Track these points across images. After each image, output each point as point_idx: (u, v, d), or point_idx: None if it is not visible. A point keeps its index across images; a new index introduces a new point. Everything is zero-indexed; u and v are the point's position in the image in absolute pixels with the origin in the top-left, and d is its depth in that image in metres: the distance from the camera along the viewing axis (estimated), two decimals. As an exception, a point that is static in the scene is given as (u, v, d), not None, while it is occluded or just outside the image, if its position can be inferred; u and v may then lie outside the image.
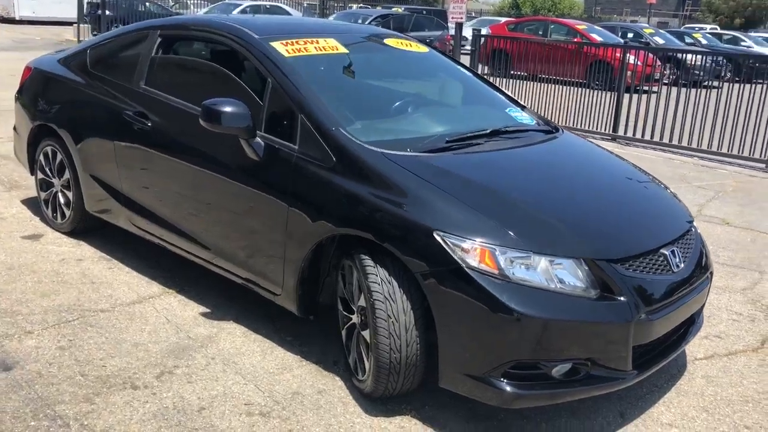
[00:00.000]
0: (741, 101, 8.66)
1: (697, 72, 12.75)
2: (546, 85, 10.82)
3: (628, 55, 10.43)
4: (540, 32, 18.84)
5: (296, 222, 3.20)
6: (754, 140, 8.67)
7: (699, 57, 11.62)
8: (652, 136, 9.48)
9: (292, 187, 3.24)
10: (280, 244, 3.31)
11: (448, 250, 2.73)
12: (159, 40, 4.16)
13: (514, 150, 3.48)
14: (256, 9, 21.57)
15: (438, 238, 2.75)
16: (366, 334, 2.98)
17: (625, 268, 2.86)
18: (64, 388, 3.02)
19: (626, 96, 9.91)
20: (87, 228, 4.78)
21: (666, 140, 9.36)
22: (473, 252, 2.72)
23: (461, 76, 4.31)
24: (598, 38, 17.27)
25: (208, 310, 3.83)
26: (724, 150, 8.85)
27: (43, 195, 4.99)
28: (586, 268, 2.77)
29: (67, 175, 4.68)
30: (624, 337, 2.79)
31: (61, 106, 4.69)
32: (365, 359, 3.02)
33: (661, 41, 20.27)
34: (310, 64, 3.64)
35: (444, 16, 21.30)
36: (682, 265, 3.11)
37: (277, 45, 3.66)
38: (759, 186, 7.78)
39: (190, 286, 4.11)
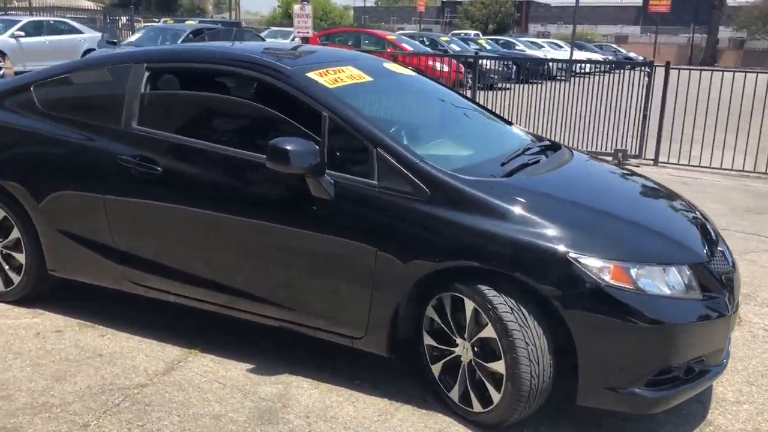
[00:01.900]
0: (530, 98, 10.01)
1: (492, 76, 14.03)
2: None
3: (436, 62, 11.47)
4: (350, 42, 19.27)
5: (387, 262, 3.06)
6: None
7: (492, 62, 12.96)
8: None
9: (380, 226, 3.09)
10: (364, 286, 3.15)
11: (586, 271, 2.79)
12: (147, 74, 3.71)
13: (564, 168, 3.62)
14: (38, 25, 19.59)
15: (572, 261, 2.81)
16: (494, 365, 2.94)
17: (713, 267, 3.13)
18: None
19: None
20: (38, 294, 4.12)
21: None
22: (607, 270, 2.81)
23: (454, 97, 4.37)
24: (409, 47, 18.09)
25: (252, 366, 3.51)
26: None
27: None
28: (689, 272, 2.99)
29: (15, 234, 4.00)
30: (725, 330, 3.06)
31: (3, 155, 3.99)
32: (490, 390, 2.98)
33: (457, 48, 21.71)
34: (354, 94, 3.48)
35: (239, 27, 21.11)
36: (729, 257, 3.46)
37: (315, 76, 3.46)
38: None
39: (206, 342, 3.73)
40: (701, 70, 9.52)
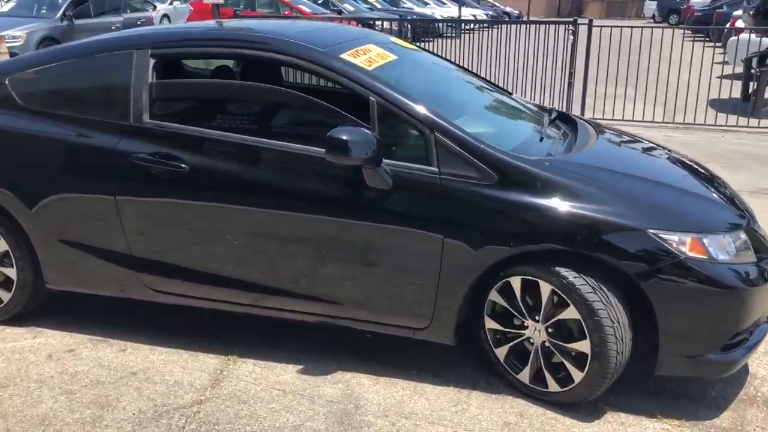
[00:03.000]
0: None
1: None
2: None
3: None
4: (242, 6, 18.51)
5: (456, 250, 2.98)
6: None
7: (388, 23, 13.08)
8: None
9: (445, 213, 2.99)
10: (430, 275, 3.05)
11: (667, 246, 2.83)
12: (153, 61, 3.36)
13: (600, 140, 3.61)
14: None
15: (653, 236, 2.84)
16: (576, 345, 2.94)
17: (756, 229, 3.26)
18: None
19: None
20: (29, 311, 3.72)
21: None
22: (685, 243, 2.86)
23: (461, 72, 4.25)
24: (307, 9, 17.62)
25: (300, 366, 3.34)
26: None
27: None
28: (744, 236, 3.10)
29: (1, 247, 3.56)
30: None
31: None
32: (570, 369, 2.98)
33: (351, 8, 21.37)
34: (392, 75, 3.31)
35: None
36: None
37: (349, 57, 3.26)
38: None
39: (241, 347, 3.51)
40: (621, 26, 9.82)
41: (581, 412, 3.03)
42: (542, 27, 9.54)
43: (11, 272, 3.60)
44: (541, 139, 3.42)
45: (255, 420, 2.93)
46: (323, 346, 3.52)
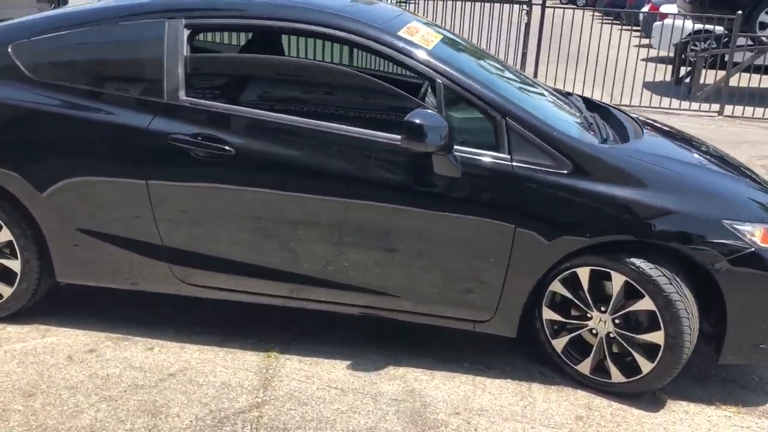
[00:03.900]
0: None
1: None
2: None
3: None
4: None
5: (528, 240, 2.89)
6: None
7: None
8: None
9: (517, 202, 2.88)
10: (498, 266, 2.95)
11: (741, 236, 2.84)
12: (187, 32, 3.04)
13: (648, 130, 3.56)
14: None
15: (728, 227, 2.84)
16: (648, 336, 2.91)
17: None
18: None
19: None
20: (28, 308, 3.36)
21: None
22: (757, 233, 2.88)
23: (484, 52, 4.12)
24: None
25: (348, 362, 3.17)
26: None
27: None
28: None
29: (4, 236, 3.18)
30: None
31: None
32: (638, 360, 2.95)
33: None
34: (453, 56, 3.14)
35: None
36: None
37: (407, 35, 3.07)
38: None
39: (278, 342, 3.31)
40: (573, 8, 9.95)
41: (643, 402, 3.03)
42: (496, 6, 9.51)
43: (14, 264, 3.22)
44: (591, 127, 3.36)
45: (325, 423, 2.74)
46: (364, 338, 3.36)
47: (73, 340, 3.22)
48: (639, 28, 16.99)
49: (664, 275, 2.84)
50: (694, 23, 11.75)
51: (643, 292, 2.87)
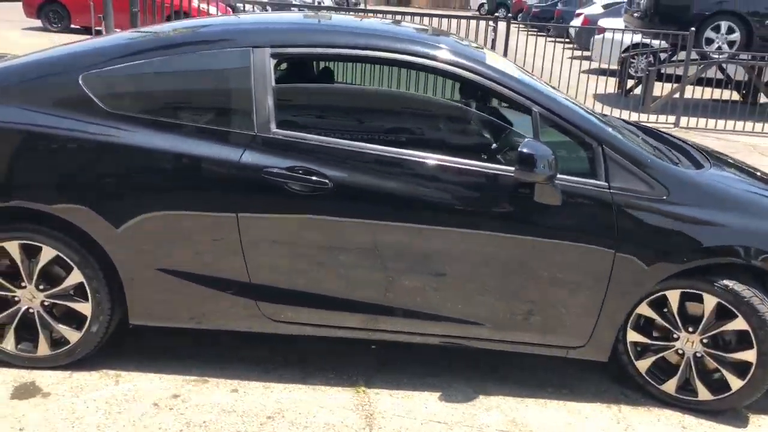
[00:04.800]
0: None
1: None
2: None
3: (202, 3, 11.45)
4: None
5: (627, 265, 2.94)
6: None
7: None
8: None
9: (617, 229, 2.93)
10: (597, 292, 2.99)
11: None
12: (273, 62, 2.94)
13: (708, 154, 3.68)
14: None
15: None
16: (739, 355, 3.01)
17: None
18: None
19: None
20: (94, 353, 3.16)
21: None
22: (841, 251, 3.03)
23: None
24: None
25: (438, 393, 3.13)
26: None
27: (-11, 321, 3.06)
28: None
29: (74, 278, 2.98)
30: None
31: (54, 173, 2.91)
32: (728, 378, 3.05)
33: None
34: (537, 86, 3.16)
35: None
36: None
37: (495, 65, 3.07)
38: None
39: (361, 375, 3.24)
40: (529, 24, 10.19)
41: (728, 418, 3.13)
42: (463, 22, 9.65)
43: (84, 307, 3.02)
44: (659, 153, 3.43)
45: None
46: (442, 366, 3.33)
47: (151, 385, 3.04)
48: (567, 40, 17.65)
49: (756, 296, 2.95)
50: (633, 37, 12.30)
51: (736, 312, 2.97)
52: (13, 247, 2.95)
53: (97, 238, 2.91)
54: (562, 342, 3.11)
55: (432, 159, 2.91)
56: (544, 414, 3.06)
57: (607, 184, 2.94)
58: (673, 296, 3.05)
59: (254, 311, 3.03)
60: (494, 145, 3.23)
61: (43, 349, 3.06)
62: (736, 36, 10.21)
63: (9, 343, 3.06)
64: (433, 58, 2.97)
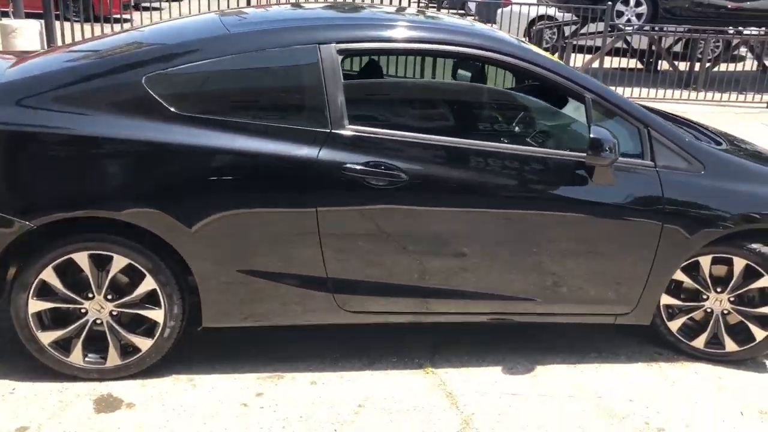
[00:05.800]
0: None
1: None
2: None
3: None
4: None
5: (673, 236, 3.21)
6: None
7: None
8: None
9: (664, 203, 3.19)
10: (645, 262, 3.25)
11: None
12: (340, 57, 2.96)
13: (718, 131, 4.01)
14: None
15: None
16: (765, 309, 3.38)
17: None
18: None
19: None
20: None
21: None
22: None
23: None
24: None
25: (499, 367, 3.32)
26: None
27: (54, 335, 2.94)
28: None
29: (146, 286, 2.91)
30: None
31: (122, 178, 2.82)
32: (753, 330, 3.41)
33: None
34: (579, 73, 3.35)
35: None
36: None
37: (546, 55, 3.24)
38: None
39: (423, 356, 3.37)
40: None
41: (750, 365, 3.51)
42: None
43: (156, 314, 2.96)
44: (688, 133, 3.70)
45: (545, 430, 2.90)
46: (489, 345, 3.51)
47: (228, 385, 3.04)
48: (464, 12, 18.12)
49: (784, 256, 3.32)
50: (538, 9, 12.83)
51: (763, 272, 3.33)
52: (82, 258, 2.84)
53: (172, 243, 2.86)
54: (611, 310, 3.36)
55: (501, 148, 3.05)
56: (601, 378, 3.31)
57: (653, 163, 3.20)
58: (705, 261, 3.37)
59: (330, 304, 3.08)
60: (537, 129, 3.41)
61: (113, 359, 2.98)
62: (643, 9, 10.88)
63: (77, 357, 2.96)
64: (504, 53, 3.10)
